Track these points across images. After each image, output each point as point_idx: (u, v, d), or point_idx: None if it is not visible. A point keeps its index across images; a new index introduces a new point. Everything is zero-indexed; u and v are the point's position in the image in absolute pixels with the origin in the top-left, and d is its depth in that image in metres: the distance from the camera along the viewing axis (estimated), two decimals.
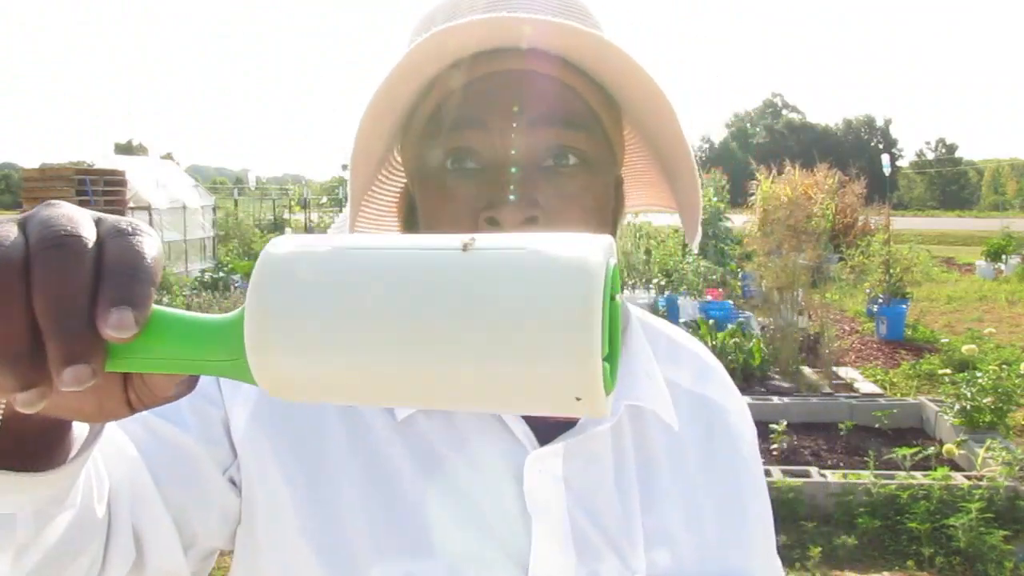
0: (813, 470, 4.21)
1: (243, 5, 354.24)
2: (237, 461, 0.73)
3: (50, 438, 0.50)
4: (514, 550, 0.71)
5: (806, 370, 6.52)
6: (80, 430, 0.53)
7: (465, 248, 0.38)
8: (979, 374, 5.28)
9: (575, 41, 0.67)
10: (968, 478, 4.06)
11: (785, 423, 4.81)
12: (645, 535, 0.74)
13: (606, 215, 0.75)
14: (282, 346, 0.38)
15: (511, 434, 0.73)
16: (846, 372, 6.67)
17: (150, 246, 0.41)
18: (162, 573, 0.69)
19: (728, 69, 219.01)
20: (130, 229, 0.41)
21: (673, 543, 0.75)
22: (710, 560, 0.76)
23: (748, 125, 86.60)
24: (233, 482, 0.73)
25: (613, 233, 0.77)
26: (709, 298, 8.10)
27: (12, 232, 0.39)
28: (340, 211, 0.80)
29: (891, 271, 8.70)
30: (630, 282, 9.69)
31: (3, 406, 0.46)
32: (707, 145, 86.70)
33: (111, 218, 0.42)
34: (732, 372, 0.89)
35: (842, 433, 5.04)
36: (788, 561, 3.51)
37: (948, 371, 6.10)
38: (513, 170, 0.68)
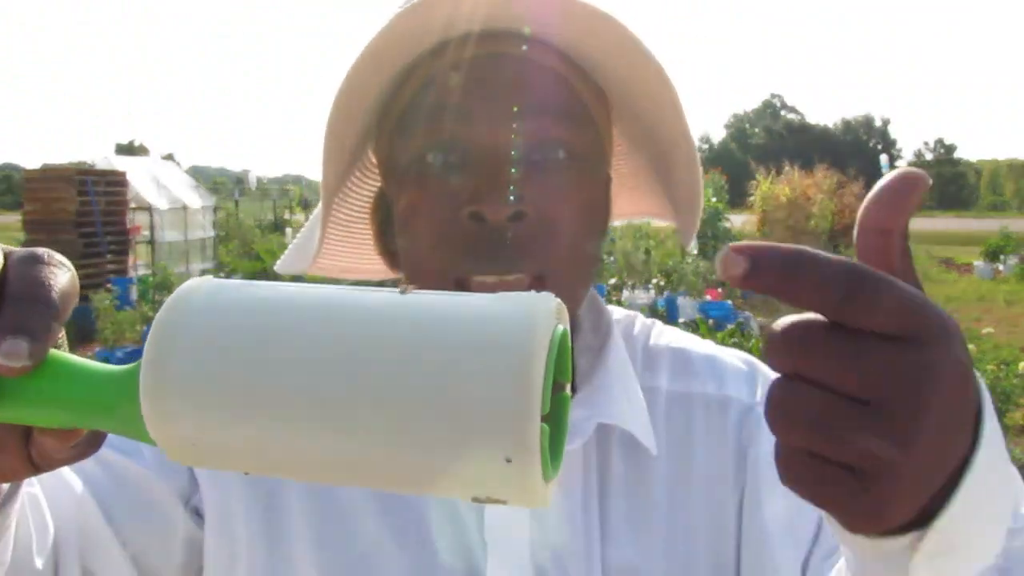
0: None
1: (243, 5, 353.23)
2: (199, 489, 0.70)
3: None
4: None
5: None
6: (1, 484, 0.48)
7: (403, 291, 0.34)
8: (977, 374, 5.30)
9: (567, 15, 0.62)
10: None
11: None
12: (604, 568, 0.68)
13: (597, 215, 0.71)
14: (179, 408, 0.34)
15: None
16: None
17: (60, 277, 0.37)
18: None
19: (727, 70, 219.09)
20: (43, 257, 0.38)
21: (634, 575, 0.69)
22: None
23: (747, 126, 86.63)
24: (198, 512, 0.70)
25: (604, 232, 0.73)
26: (708, 298, 8.11)
27: None
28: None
29: None
30: (629, 282, 9.71)
31: None
32: (706, 146, 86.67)
33: (24, 249, 0.39)
34: None
35: None
36: None
37: None
38: (499, 164, 0.63)
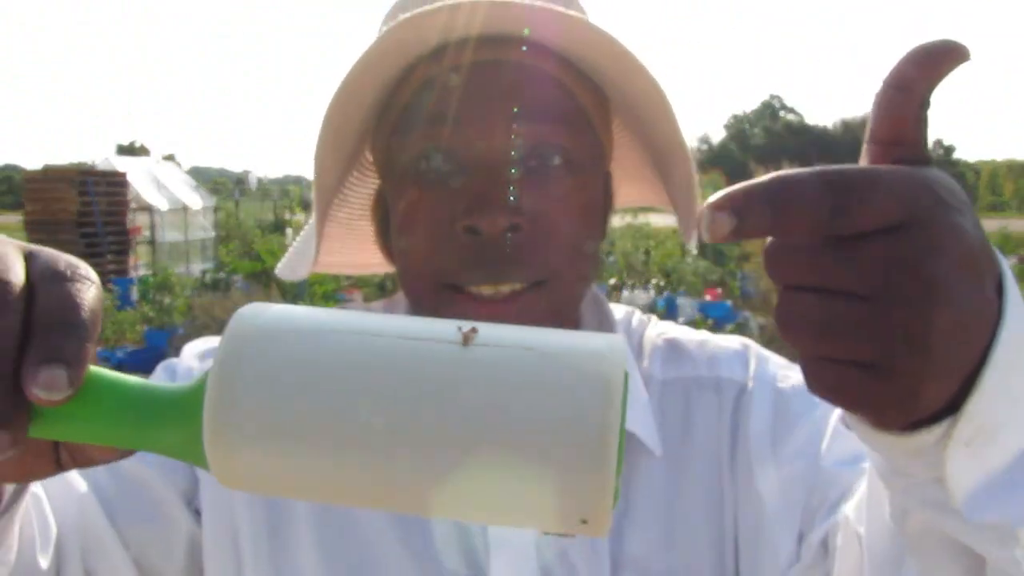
0: None
1: (243, 5, 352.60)
2: (201, 490, 0.69)
3: None
4: None
5: None
6: (8, 486, 0.48)
7: (466, 342, 0.33)
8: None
9: (564, 27, 0.61)
10: None
11: None
12: (612, 561, 0.68)
13: (595, 218, 0.70)
14: (249, 439, 0.33)
15: None
16: None
17: (88, 294, 0.36)
18: None
19: (726, 71, 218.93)
20: (68, 273, 0.36)
21: (642, 569, 0.69)
22: None
23: (747, 126, 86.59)
24: (200, 512, 0.70)
25: (603, 233, 0.73)
26: (708, 298, 8.12)
27: None
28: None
29: None
30: (629, 282, 9.72)
31: None
32: (705, 146, 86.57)
33: (46, 256, 0.37)
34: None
35: None
36: None
37: None
38: (495, 172, 0.63)
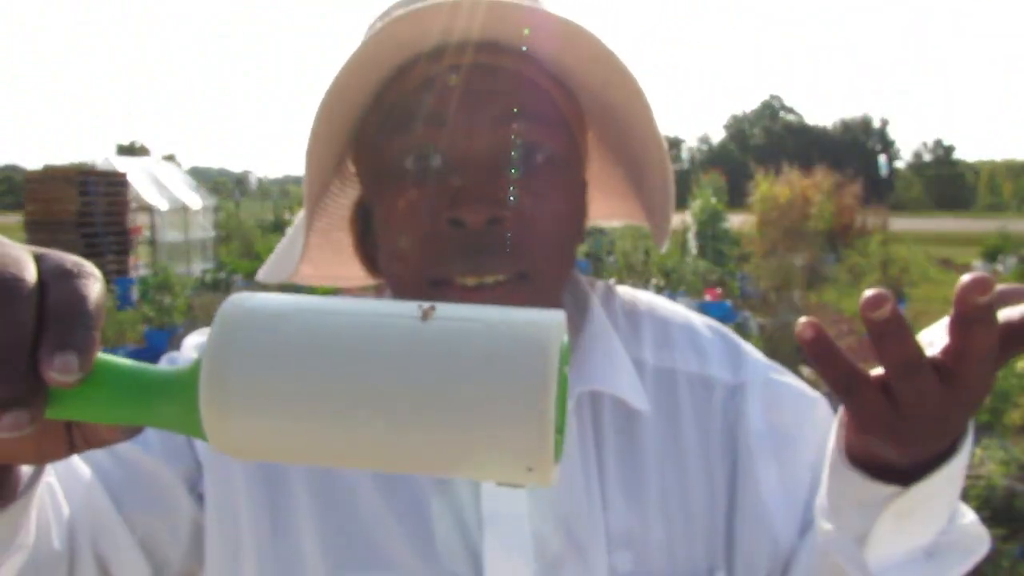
0: None
1: (243, 5, 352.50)
2: (204, 474, 0.71)
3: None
4: (471, 561, 0.68)
5: (804, 370, 6.56)
6: (25, 468, 0.51)
7: (425, 316, 0.38)
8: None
9: (547, 28, 0.63)
10: (965, 477, 4.09)
11: None
12: (608, 535, 0.70)
13: (573, 214, 0.72)
14: (238, 404, 0.37)
15: None
16: None
17: (94, 289, 0.40)
18: None
19: (726, 71, 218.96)
20: (75, 270, 0.40)
21: (637, 543, 0.71)
22: (680, 558, 0.72)
23: (746, 126, 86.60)
24: (204, 497, 0.72)
25: (581, 238, 0.75)
26: (707, 298, 8.13)
27: None
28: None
29: (888, 271, 8.74)
30: (629, 282, 9.73)
31: None
32: (705, 146, 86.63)
33: (54, 257, 0.41)
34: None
35: None
36: None
37: None
38: (479, 169, 0.65)
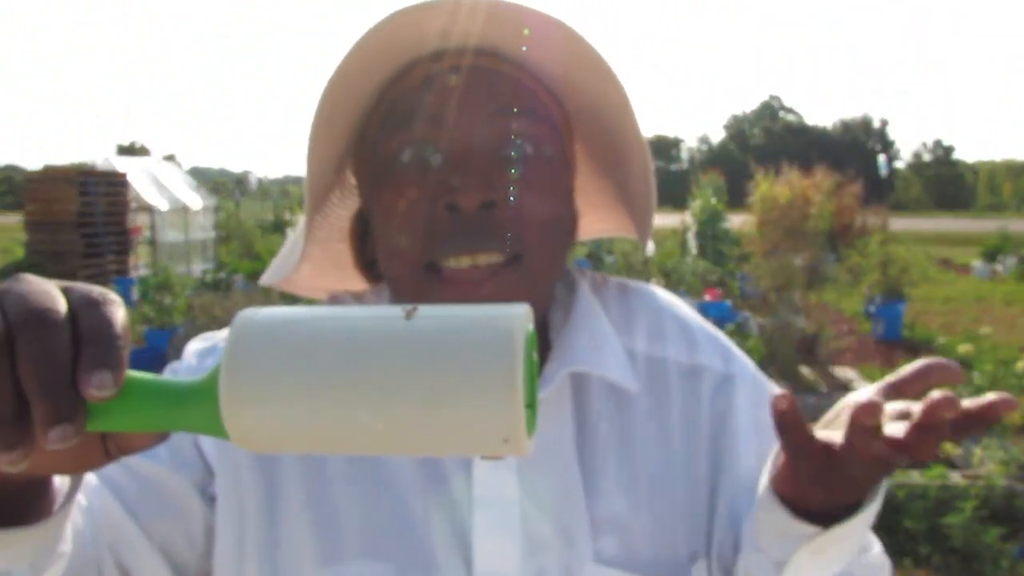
0: None
1: (243, 5, 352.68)
2: (215, 478, 0.74)
3: (32, 494, 0.53)
4: (460, 545, 0.70)
5: (804, 370, 6.57)
6: (60, 481, 0.55)
7: (408, 316, 0.43)
8: (976, 374, 5.32)
9: (538, 27, 0.66)
10: (964, 477, 4.09)
11: None
12: (593, 520, 0.72)
13: (564, 212, 0.74)
14: (253, 402, 0.43)
15: None
16: (843, 372, 6.71)
17: (118, 314, 0.44)
18: None
19: (726, 71, 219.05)
20: (100, 299, 0.44)
21: (623, 528, 0.72)
22: (663, 544, 0.73)
23: (746, 126, 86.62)
24: (215, 500, 0.74)
25: (570, 244, 0.77)
26: (707, 298, 8.13)
27: None
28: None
29: (888, 272, 8.74)
30: None
31: None
32: (705, 146, 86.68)
33: (80, 288, 0.45)
34: None
35: None
36: None
37: None
38: (472, 158, 0.68)
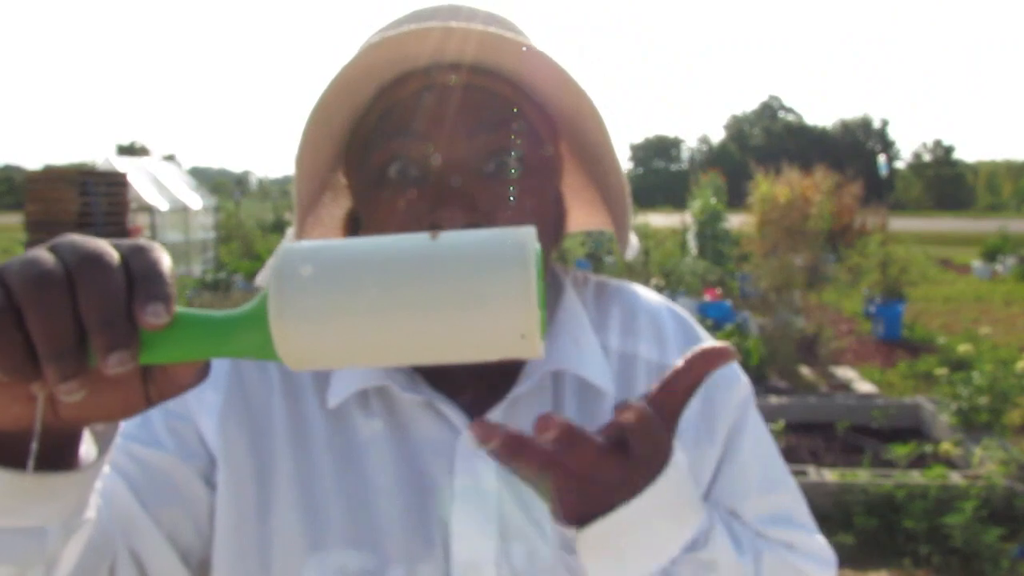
0: (811, 469, 4.25)
1: (243, 5, 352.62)
2: (217, 466, 0.76)
3: (68, 447, 0.56)
4: (440, 534, 0.73)
5: (803, 370, 6.57)
6: (85, 450, 0.58)
7: (433, 236, 0.49)
8: (975, 374, 5.32)
9: (500, 47, 0.68)
10: (965, 477, 4.09)
11: (783, 423, 4.86)
12: None
13: (546, 223, 0.76)
14: (302, 319, 0.47)
15: (443, 419, 0.75)
16: (843, 372, 6.71)
17: (164, 258, 0.49)
18: None
19: (726, 71, 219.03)
20: (146, 246, 0.49)
21: None
22: None
23: (746, 127, 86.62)
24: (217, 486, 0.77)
25: (556, 245, 0.80)
26: (707, 298, 8.13)
27: (48, 255, 0.47)
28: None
29: (888, 271, 8.75)
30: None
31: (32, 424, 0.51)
32: (705, 146, 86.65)
33: (127, 240, 0.50)
34: None
35: (839, 433, 5.09)
36: None
37: (945, 371, 6.14)
38: (455, 176, 0.70)
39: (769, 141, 77.50)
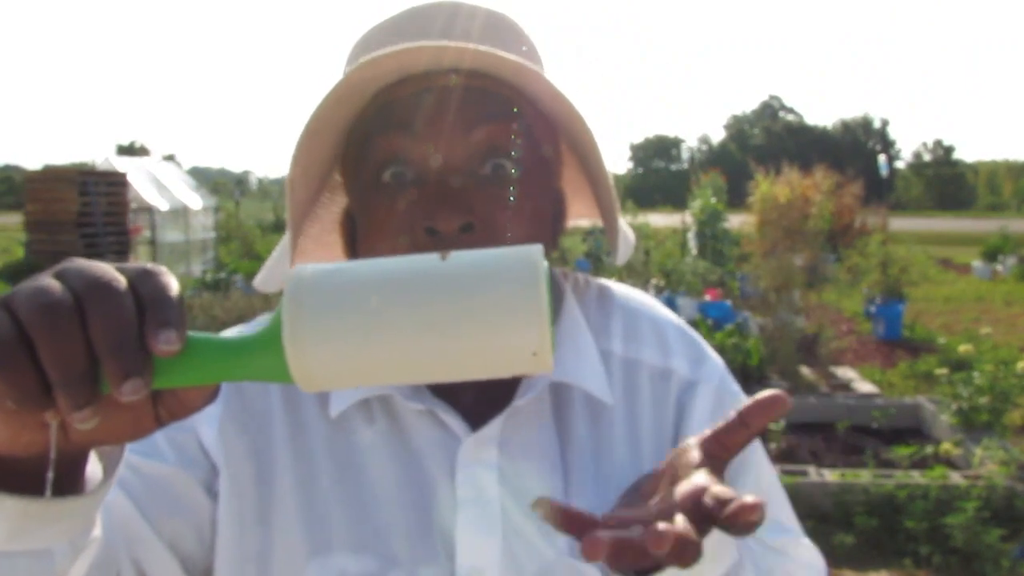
0: (811, 469, 4.25)
1: (243, 5, 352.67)
2: (219, 475, 0.76)
3: (75, 468, 0.55)
4: (444, 542, 0.72)
5: (804, 370, 6.56)
6: (91, 469, 0.58)
7: (443, 257, 0.49)
8: (976, 374, 5.32)
9: (497, 63, 0.69)
10: (965, 477, 4.09)
11: (783, 423, 4.85)
12: None
13: (544, 224, 0.76)
14: (316, 341, 0.47)
15: (444, 427, 0.75)
16: (844, 372, 6.71)
17: (172, 282, 0.48)
18: None
19: (726, 71, 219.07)
20: (154, 270, 0.49)
21: None
22: None
23: (746, 127, 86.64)
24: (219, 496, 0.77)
25: (555, 244, 0.80)
26: (708, 298, 8.13)
27: (55, 282, 0.46)
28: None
29: (888, 271, 8.74)
30: (629, 282, 9.72)
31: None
32: (705, 146, 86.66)
33: (133, 264, 0.49)
34: (730, 372, 0.87)
35: (840, 433, 5.09)
36: None
37: (945, 371, 6.13)
38: (450, 180, 0.70)
39: (769, 141, 77.49)
